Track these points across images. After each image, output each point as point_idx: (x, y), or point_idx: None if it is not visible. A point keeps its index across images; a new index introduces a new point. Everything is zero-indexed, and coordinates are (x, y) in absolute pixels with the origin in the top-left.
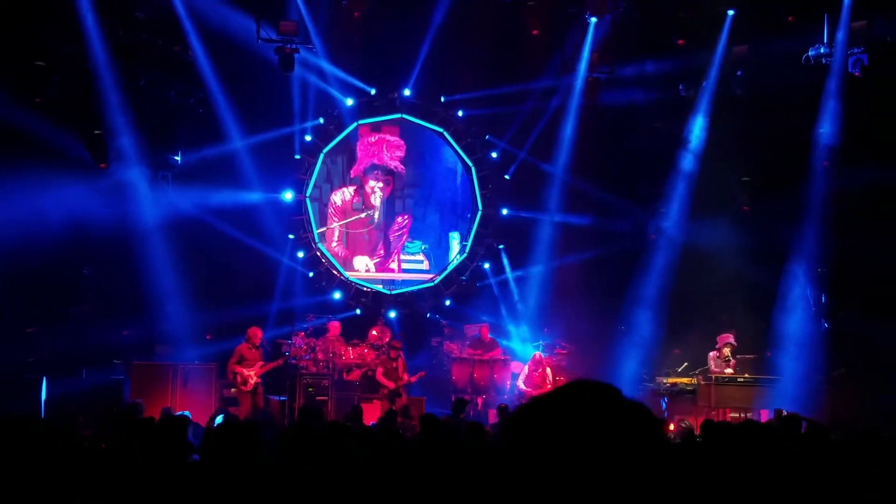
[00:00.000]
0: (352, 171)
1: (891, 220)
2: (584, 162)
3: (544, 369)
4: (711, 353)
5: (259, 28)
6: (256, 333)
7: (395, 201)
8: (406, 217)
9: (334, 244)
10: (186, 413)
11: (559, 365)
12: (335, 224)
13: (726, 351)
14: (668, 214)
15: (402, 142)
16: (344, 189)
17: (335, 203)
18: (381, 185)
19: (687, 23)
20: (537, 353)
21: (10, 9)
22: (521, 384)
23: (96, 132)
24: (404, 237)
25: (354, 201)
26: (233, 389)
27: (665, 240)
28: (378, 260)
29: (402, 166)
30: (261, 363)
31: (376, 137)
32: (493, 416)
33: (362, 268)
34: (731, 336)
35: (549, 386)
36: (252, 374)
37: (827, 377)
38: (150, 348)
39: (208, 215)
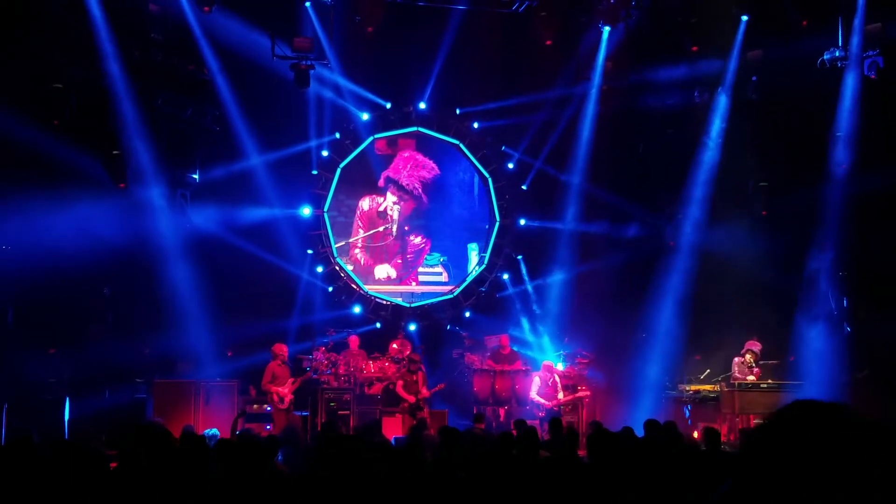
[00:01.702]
0: (380, 181)
1: None
2: (600, 170)
3: (554, 378)
4: (736, 359)
5: (274, 45)
6: (283, 350)
7: (413, 220)
8: (424, 241)
9: (357, 251)
10: (215, 431)
11: (580, 374)
12: (359, 236)
13: (749, 357)
14: (686, 220)
15: (434, 166)
16: (373, 196)
17: (362, 208)
18: (395, 199)
19: (700, 29)
20: (546, 362)
21: (27, 31)
22: (534, 395)
23: (114, 152)
24: (422, 259)
25: (380, 209)
26: (265, 406)
27: (683, 246)
28: (397, 272)
29: (420, 187)
30: (292, 380)
31: (409, 153)
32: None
33: (384, 275)
34: (757, 343)
35: (561, 394)
36: (287, 392)
37: (850, 380)
38: (172, 366)
39: (227, 232)
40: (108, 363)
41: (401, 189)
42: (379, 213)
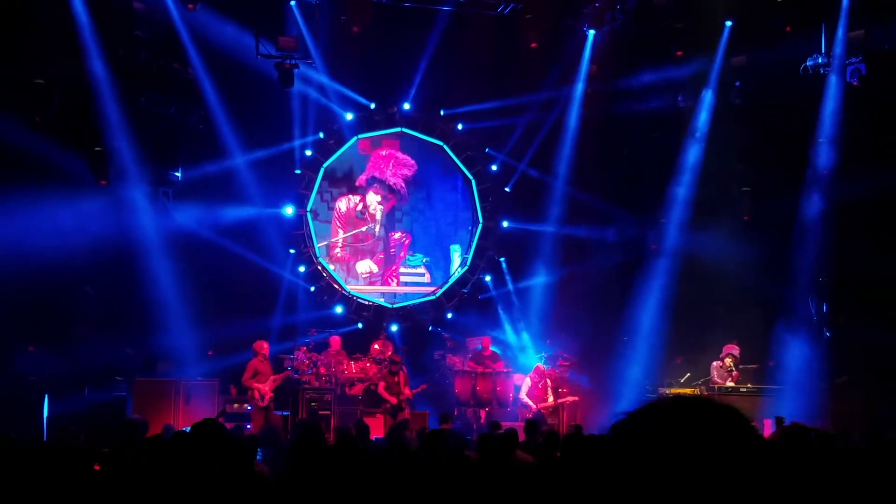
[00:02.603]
0: (357, 181)
1: (891, 229)
2: (583, 173)
3: (546, 381)
4: (715, 363)
5: (258, 44)
6: (264, 347)
7: (394, 216)
8: (404, 235)
9: (338, 251)
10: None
11: (562, 376)
12: (338, 237)
13: (728, 361)
14: (669, 224)
15: (414, 162)
16: (350, 196)
17: (339, 209)
18: (379, 198)
19: (685, 34)
20: (539, 364)
21: (10, 28)
22: (523, 396)
23: (97, 149)
24: (402, 254)
25: (358, 209)
26: (245, 406)
27: (666, 250)
28: (379, 268)
29: (404, 185)
30: (273, 377)
31: (387, 152)
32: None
33: (366, 270)
34: (736, 347)
35: (551, 398)
36: (268, 390)
37: (829, 385)
38: (153, 365)
39: (209, 231)
40: (89, 361)
41: (385, 188)
42: (358, 213)
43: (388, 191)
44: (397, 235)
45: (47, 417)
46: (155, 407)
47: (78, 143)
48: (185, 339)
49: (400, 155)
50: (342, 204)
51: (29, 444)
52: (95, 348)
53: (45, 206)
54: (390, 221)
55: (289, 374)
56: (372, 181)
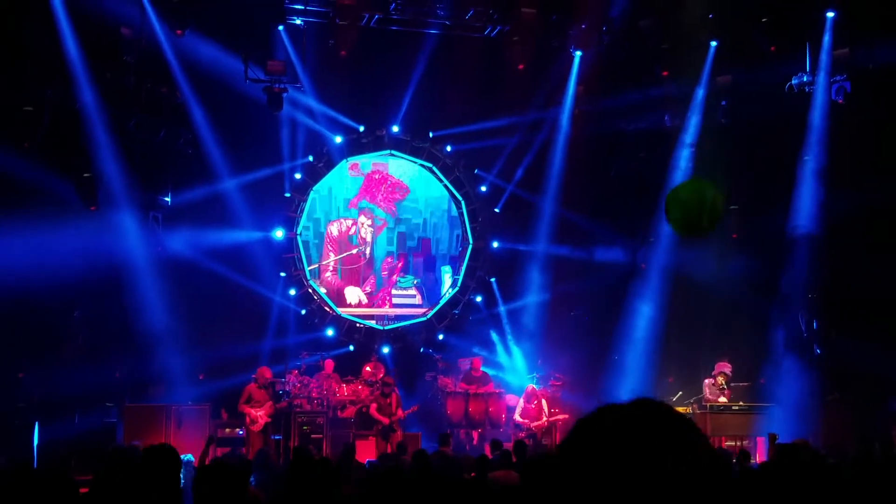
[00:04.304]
0: (349, 203)
1: (878, 244)
2: (572, 193)
3: (540, 401)
4: (707, 381)
5: (247, 68)
6: (264, 373)
7: (386, 239)
8: (396, 258)
9: (328, 275)
10: (189, 457)
11: (554, 396)
12: (330, 259)
13: (720, 379)
14: (658, 243)
15: (406, 186)
16: (342, 220)
17: (331, 233)
18: (370, 222)
19: (670, 54)
20: (530, 385)
21: None
22: (517, 417)
23: (85, 175)
24: (395, 274)
25: (351, 233)
26: (236, 430)
27: (655, 268)
28: (370, 290)
29: (395, 209)
30: (270, 403)
31: (380, 175)
32: (488, 451)
33: (355, 299)
34: (728, 364)
35: (545, 418)
36: (262, 414)
37: (821, 402)
38: (143, 390)
39: (200, 255)
40: (79, 387)
41: (376, 213)
42: (350, 237)
43: (379, 215)
44: (390, 260)
45: (38, 445)
46: (146, 432)
47: (67, 169)
48: (176, 363)
49: (393, 179)
50: (334, 228)
51: (19, 472)
52: (85, 374)
53: (33, 232)
54: (381, 244)
55: (284, 405)
56: (363, 206)
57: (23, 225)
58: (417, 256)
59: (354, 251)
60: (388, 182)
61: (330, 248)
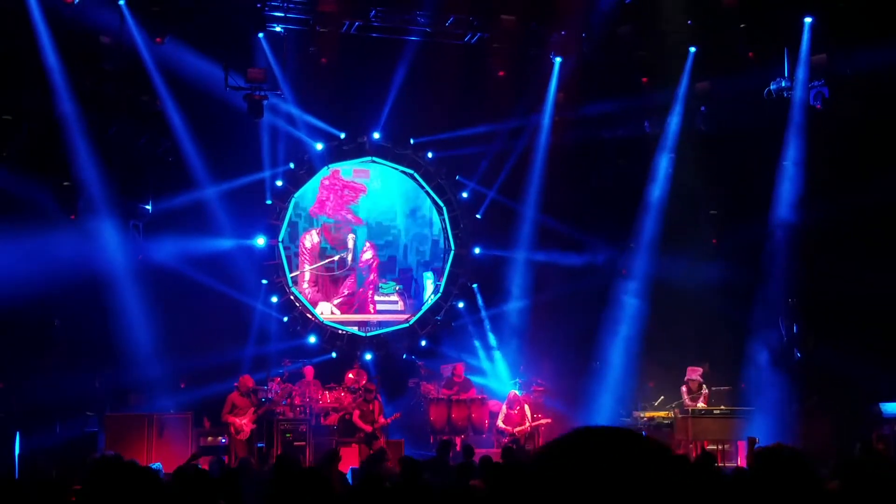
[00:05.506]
0: (311, 212)
1: (856, 250)
2: (553, 200)
3: (522, 407)
4: (683, 387)
5: (227, 75)
6: (246, 381)
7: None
8: (373, 255)
9: (305, 286)
10: (157, 465)
11: (536, 402)
12: (306, 268)
13: (692, 385)
14: (638, 249)
15: (361, 185)
16: (312, 231)
17: (305, 246)
18: (343, 230)
19: (650, 61)
20: (512, 391)
21: None
22: (500, 423)
23: (65, 183)
24: (373, 276)
25: (322, 245)
26: (220, 438)
27: (636, 274)
28: (341, 300)
29: (350, 213)
30: (253, 409)
31: (329, 182)
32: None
33: (327, 311)
34: (698, 370)
35: (528, 424)
36: (246, 423)
37: (801, 406)
38: (124, 398)
39: (181, 263)
40: (59, 396)
41: (331, 224)
42: (322, 248)
43: (335, 223)
44: (367, 256)
45: (19, 455)
46: (127, 441)
47: (46, 178)
48: (157, 371)
49: (342, 180)
50: (307, 240)
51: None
52: (65, 383)
53: (12, 241)
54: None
55: (267, 406)
56: (317, 220)
57: (1, 234)
58: (399, 261)
59: (336, 257)
60: (337, 184)
61: (306, 259)
